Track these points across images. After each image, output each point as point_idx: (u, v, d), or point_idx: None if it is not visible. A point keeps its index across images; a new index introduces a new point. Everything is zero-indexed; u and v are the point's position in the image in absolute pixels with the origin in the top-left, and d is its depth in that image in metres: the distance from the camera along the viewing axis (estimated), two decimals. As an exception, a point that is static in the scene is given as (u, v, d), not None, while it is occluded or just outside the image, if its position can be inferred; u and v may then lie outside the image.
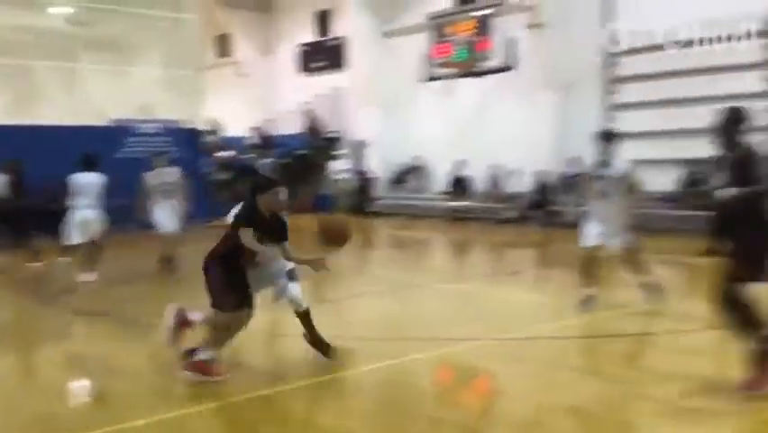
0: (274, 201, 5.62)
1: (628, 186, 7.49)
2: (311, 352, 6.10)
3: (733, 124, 4.98)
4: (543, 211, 16.94)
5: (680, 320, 7.43)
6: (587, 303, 7.64)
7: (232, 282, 5.52)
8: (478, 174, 19.06)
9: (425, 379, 5.76)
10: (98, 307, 8.65)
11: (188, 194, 10.74)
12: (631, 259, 7.68)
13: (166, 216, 10.46)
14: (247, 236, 5.45)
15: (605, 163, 7.54)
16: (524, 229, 16.70)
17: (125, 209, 10.68)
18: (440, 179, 20.28)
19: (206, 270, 5.62)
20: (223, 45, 26.46)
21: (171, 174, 10.62)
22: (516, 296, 9.06)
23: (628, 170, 7.55)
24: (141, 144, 16.73)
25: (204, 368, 5.47)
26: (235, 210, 5.95)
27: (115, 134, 17.05)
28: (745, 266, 4.81)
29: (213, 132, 22.31)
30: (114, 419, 4.73)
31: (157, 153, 11.11)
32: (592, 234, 7.59)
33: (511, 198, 18.05)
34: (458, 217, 18.98)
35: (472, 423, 4.82)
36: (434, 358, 6.19)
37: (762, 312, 4.88)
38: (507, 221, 17.62)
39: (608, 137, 7.65)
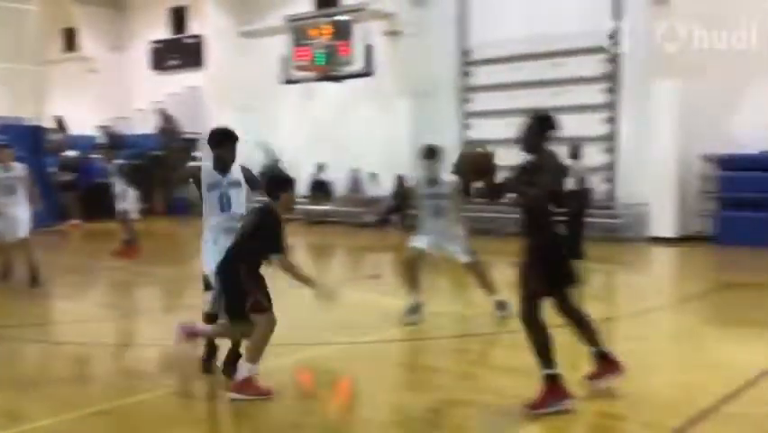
0: (293, 201, 5.27)
1: (459, 197, 7.27)
2: (161, 362, 5.85)
3: (538, 131, 4.90)
4: (401, 215, 17.23)
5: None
6: (412, 312, 7.37)
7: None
8: (338, 178, 19.13)
9: (283, 384, 5.66)
10: None
11: (36, 192, 9.89)
12: (475, 272, 7.53)
13: (9, 219, 9.51)
14: (287, 263, 5.09)
15: (432, 182, 7.36)
16: (383, 233, 16.92)
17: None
18: (301, 182, 20.16)
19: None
20: (70, 39, 25.02)
21: (17, 169, 9.69)
22: (375, 299, 9.12)
23: (456, 184, 7.23)
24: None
25: (248, 387, 5.00)
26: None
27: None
28: (532, 280, 4.73)
29: (57, 130, 21.07)
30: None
31: (3, 145, 10.04)
32: (422, 240, 7.44)
33: (371, 201, 18.25)
34: (318, 221, 18.95)
35: (332, 427, 4.79)
36: (293, 363, 6.12)
37: (552, 341, 4.76)
38: (366, 225, 17.79)
39: (431, 154, 7.39)
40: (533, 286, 4.74)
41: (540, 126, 4.88)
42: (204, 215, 5.68)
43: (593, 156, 14.17)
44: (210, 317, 5.58)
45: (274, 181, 5.32)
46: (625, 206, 14.97)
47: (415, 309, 7.39)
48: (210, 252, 5.58)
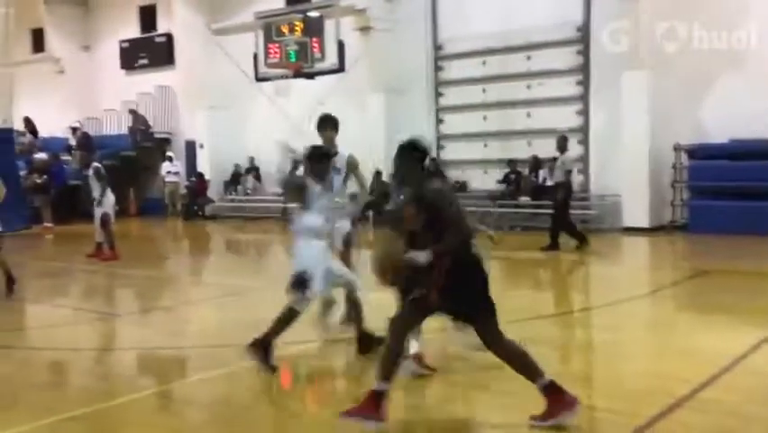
0: None
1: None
2: (139, 365, 5.82)
3: (411, 159, 4.53)
4: (376, 210, 17.23)
5: (511, 312, 7.82)
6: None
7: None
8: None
9: (262, 385, 5.65)
10: None
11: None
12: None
13: None
14: None
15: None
16: (360, 229, 16.89)
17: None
18: (275, 180, 20.07)
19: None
20: (38, 40, 24.65)
21: None
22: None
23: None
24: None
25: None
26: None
27: None
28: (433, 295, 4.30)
29: (26, 132, 20.77)
30: None
31: None
32: None
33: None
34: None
35: (310, 430, 4.78)
36: (277, 360, 6.09)
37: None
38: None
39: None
40: (429, 299, 4.33)
41: (412, 154, 4.57)
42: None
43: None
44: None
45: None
46: (598, 197, 15.12)
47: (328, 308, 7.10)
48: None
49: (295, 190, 6.21)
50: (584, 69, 15.41)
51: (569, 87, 15.63)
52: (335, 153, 7.09)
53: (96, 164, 12.15)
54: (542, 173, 15.41)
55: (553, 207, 12.40)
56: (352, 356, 6.17)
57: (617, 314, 7.70)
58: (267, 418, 4.92)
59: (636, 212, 14.36)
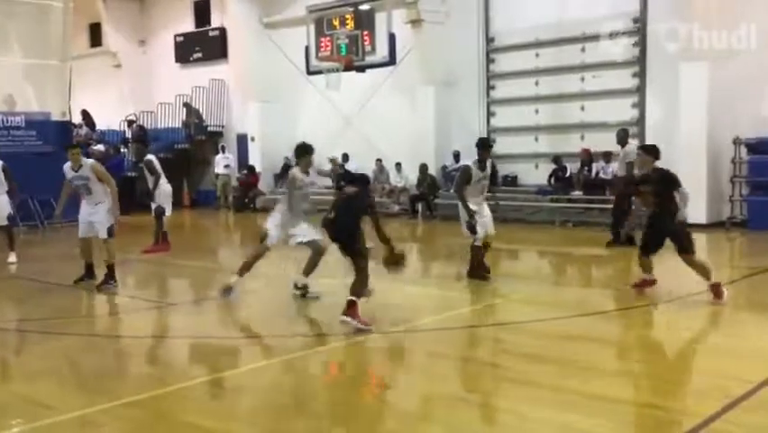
0: None
1: None
2: (192, 353, 5.91)
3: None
4: (425, 204, 17.23)
5: (553, 308, 7.72)
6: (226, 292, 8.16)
7: None
8: (363, 168, 19.10)
9: (311, 375, 5.69)
10: None
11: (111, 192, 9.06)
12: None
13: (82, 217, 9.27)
14: None
15: None
16: (408, 222, 16.91)
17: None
18: (325, 173, 20.16)
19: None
20: (95, 34, 25.23)
21: (86, 168, 8.95)
22: (401, 289, 9.11)
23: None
24: (3, 138, 15.65)
25: None
26: None
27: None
28: None
29: (84, 124, 21.29)
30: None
31: (70, 145, 9.45)
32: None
33: (395, 191, 18.23)
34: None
35: (361, 417, 4.80)
36: (321, 354, 6.14)
37: None
38: (391, 214, 17.78)
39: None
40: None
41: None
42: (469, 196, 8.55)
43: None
44: None
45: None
46: (653, 192, 14.78)
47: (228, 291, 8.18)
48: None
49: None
50: (640, 60, 15.08)
51: (624, 79, 15.31)
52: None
53: (148, 157, 12.27)
54: (595, 167, 15.15)
55: (616, 199, 12.15)
56: (404, 348, 6.17)
57: (673, 312, 7.54)
58: (318, 405, 4.94)
59: (693, 208, 13.95)
